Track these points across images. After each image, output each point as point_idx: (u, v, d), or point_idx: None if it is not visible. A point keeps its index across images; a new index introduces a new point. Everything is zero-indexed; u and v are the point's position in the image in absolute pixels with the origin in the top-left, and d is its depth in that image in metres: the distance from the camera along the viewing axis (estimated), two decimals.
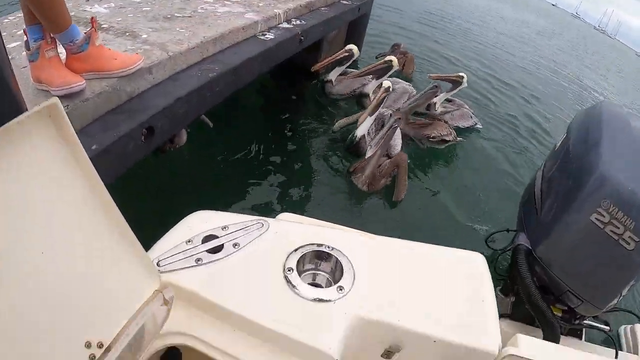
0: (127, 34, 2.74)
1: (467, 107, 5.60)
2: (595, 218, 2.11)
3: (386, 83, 4.10)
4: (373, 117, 4.04)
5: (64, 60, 2.08)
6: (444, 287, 1.39)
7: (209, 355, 1.15)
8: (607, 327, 2.54)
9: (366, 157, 3.85)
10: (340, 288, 1.29)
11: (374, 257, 1.43)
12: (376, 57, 6.52)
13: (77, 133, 1.74)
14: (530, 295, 2.40)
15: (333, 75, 5.03)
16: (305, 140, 4.39)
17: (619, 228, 2.06)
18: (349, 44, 5.45)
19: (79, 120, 2.01)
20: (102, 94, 2.08)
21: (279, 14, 3.74)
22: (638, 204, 2.03)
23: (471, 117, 5.50)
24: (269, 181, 3.70)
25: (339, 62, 4.88)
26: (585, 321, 2.48)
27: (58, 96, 1.89)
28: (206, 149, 3.75)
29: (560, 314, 2.44)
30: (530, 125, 6.73)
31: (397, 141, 4.29)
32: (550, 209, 2.46)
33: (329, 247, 1.40)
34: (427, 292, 1.36)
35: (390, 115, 4.02)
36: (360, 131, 4.01)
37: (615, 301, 2.28)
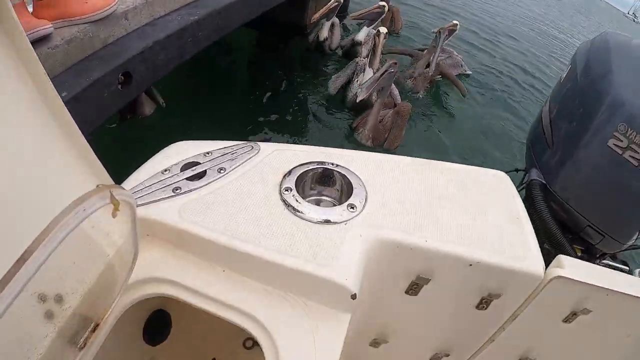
0: None
1: (456, 54, 5.66)
2: (613, 144, 2.06)
3: (382, 29, 4.03)
4: (371, 71, 3.99)
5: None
6: (473, 205, 1.17)
7: (197, 305, 0.93)
8: (627, 267, 2.48)
9: (367, 111, 3.78)
10: (352, 206, 1.07)
11: (388, 175, 1.20)
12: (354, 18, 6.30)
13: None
14: (549, 232, 2.33)
15: (326, 32, 4.93)
16: (304, 103, 4.27)
17: (638, 152, 1.99)
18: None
19: (47, 69, 1.79)
20: (72, 40, 1.89)
21: None
22: None
23: (461, 65, 5.61)
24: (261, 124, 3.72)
25: (331, 12, 4.77)
26: (604, 260, 2.44)
27: None
28: (183, 121, 3.51)
29: (579, 255, 2.38)
30: (521, 68, 6.88)
31: (395, 91, 4.23)
32: (563, 140, 2.40)
33: (332, 164, 1.18)
34: (455, 211, 1.13)
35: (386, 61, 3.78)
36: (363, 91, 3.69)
37: (635, 236, 2.23)
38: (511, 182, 1.32)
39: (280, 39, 4.94)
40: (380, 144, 3.74)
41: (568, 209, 2.31)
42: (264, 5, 3.50)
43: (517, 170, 3.01)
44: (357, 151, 1.27)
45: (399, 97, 4.22)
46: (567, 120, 2.41)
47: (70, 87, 1.76)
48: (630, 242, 2.25)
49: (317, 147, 1.27)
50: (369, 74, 3.94)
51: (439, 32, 4.71)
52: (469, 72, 5.70)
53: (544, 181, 2.44)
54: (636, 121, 2.00)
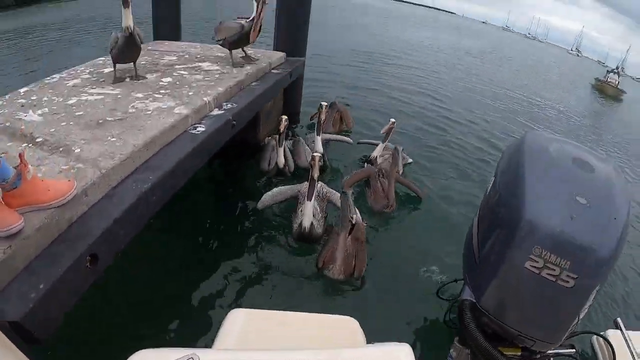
0: (61, 149, 2.84)
1: (395, 147, 5.79)
2: (530, 265, 2.20)
3: (317, 154, 3.99)
4: (312, 200, 3.94)
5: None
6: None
7: None
8: (573, 350, 2.64)
9: (329, 245, 3.77)
10: None
11: None
12: (310, 119, 6.81)
13: (21, 271, 1.87)
14: (481, 349, 2.50)
15: (282, 158, 5.04)
16: (258, 230, 4.35)
17: (555, 270, 2.15)
18: (286, 110, 5.77)
19: (23, 258, 2.08)
20: (41, 228, 2.16)
21: (208, 102, 3.91)
22: (568, 242, 2.12)
23: (404, 157, 5.81)
24: (221, 277, 3.68)
25: (281, 137, 4.90)
26: (549, 351, 2.53)
27: None
28: (146, 259, 3.66)
29: (519, 353, 2.51)
30: (473, 155, 7.05)
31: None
32: (487, 259, 2.54)
33: None
34: None
35: (343, 192, 3.95)
36: (307, 220, 3.90)
37: (568, 332, 2.36)
38: (357, 326, 1.63)
39: (235, 159, 5.15)
40: (351, 273, 3.72)
41: (497, 323, 2.45)
42: (214, 149, 3.80)
43: (456, 280, 3.23)
44: None
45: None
46: (489, 239, 2.56)
47: (45, 276, 2.03)
48: (565, 338, 2.38)
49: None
50: (309, 206, 3.94)
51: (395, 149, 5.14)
52: (410, 160, 6.03)
53: (473, 300, 2.59)
54: (549, 242, 2.13)
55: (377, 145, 5.54)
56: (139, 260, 3.58)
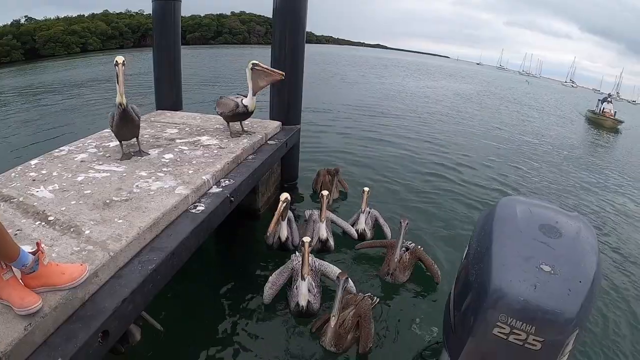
0: (72, 229, 3.19)
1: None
2: (498, 332, 2.37)
3: (306, 239, 4.16)
4: (307, 279, 4.11)
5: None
6: None
7: None
8: None
9: (323, 316, 3.99)
10: None
11: None
12: (312, 189, 7.20)
13: (40, 345, 2.18)
14: None
15: (285, 231, 5.04)
16: (256, 302, 4.45)
17: (521, 335, 2.32)
18: (284, 178, 6.23)
19: (41, 334, 2.38)
20: (57, 307, 2.47)
21: (207, 180, 4.26)
22: (532, 310, 2.27)
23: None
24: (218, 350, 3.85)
25: (285, 211, 4.77)
26: None
27: (20, 315, 2.32)
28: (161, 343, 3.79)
29: None
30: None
31: (349, 283, 4.41)
32: (461, 324, 2.73)
33: None
34: None
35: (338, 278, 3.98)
36: (303, 300, 4.07)
37: None
38: None
39: (234, 228, 5.35)
40: (346, 348, 3.81)
41: None
42: (214, 226, 4.10)
43: (437, 342, 3.49)
44: None
45: (354, 288, 4.39)
46: (463, 305, 2.74)
47: (62, 351, 2.33)
48: None
49: None
50: (304, 285, 4.10)
51: (400, 223, 4.97)
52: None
53: None
54: (513, 310, 2.30)
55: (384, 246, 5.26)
56: None
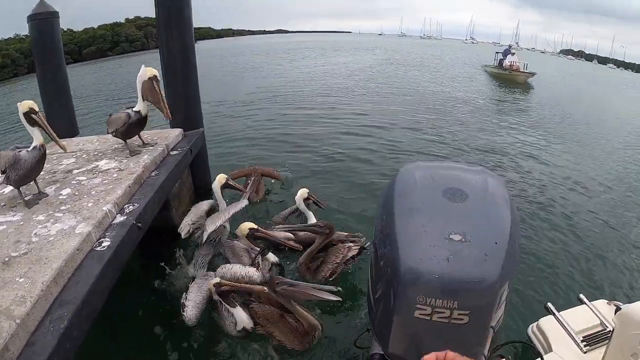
0: None
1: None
2: (419, 314, 2.27)
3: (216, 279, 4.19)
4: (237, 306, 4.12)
5: None
6: None
7: None
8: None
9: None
10: None
11: None
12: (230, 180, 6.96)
13: None
14: None
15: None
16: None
17: (444, 312, 2.22)
18: (195, 184, 6.20)
19: None
20: None
21: (109, 210, 3.98)
22: (449, 285, 2.16)
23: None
24: None
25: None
26: None
27: None
28: None
29: None
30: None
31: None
32: (382, 310, 2.61)
33: None
34: None
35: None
36: (248, 324, 4.04)
37: (486, 354, 2.44)
38: None
39: (154, 247, 5.08)
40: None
41: None
42: (125, 258, 3.85)
43: (368, 330, 3.40)
44: None
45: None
46: (379, 291, 2.64)
47: None
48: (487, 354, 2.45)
49: None
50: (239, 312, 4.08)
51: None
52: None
53: (381, 352, 2.67)
54: (430, 289, 2.19)
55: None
56: None
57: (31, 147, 4.05)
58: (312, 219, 5.39)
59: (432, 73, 25.39)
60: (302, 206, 5.55)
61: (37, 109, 3.92)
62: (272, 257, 4.68)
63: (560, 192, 7.70)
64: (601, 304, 3.52)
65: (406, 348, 2.56)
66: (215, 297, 4.10)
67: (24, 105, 3.88)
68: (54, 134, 3.99)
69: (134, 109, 5.13)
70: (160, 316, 4.45)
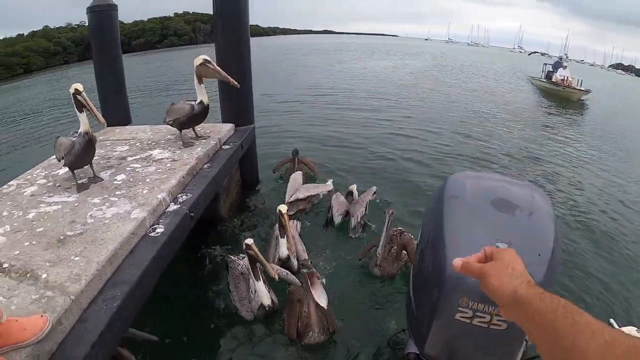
0: (28, 274, 3.01)
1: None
2: (460, 317, 2.31)
3: (282, 207, 4.48)
4: (261, 279, 4.22)
5: None
6: None
7: None
8: None
9: (293, 312, 3.97)
10: None
11: None
12: (273, 171, 7.16)
13: None
14: None
15: (285, 249, 4.81)
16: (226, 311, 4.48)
17: (485, 317, 2.25)
18: (243, 179, 6.28)
19: None
20: None
21: (163, 198, 4.11)
22: None
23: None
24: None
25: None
26: None
27: None
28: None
29: None
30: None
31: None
32: (422, 311, 2.67)
33: None
34: None
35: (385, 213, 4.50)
36: (267, 299, 4.18)
37: None
38: None
39: (201, 239, 5.25)
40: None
41: None
42: (176, 246, 3.95)
43: (403, 330, 3.39)
44: None
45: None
46: (422, 292, 2.70)
47: None
48: None
49: None
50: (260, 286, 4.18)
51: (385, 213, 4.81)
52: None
53: (416, 352, 2.75)
54: (473, 293, 2.22)
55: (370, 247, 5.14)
56: None
57: (78, 134, 4.24)
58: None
59: (480, 81, 24.88)
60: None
61: (81, 89, 4.06)
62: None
63: (608, 211, 7.47)
64: (631, 330, 3.47)
65: (442, 349, 2.60)
66: (243, 267, 4.41)
67: (72, 87, 4.06)
68: (95, 109, 4.08)
69: (196, 102, 5.27)
70: (199, 304, 4.60)
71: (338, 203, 6.10)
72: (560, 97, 22.19)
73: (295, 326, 3.86)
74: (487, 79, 27.09)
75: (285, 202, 6.11)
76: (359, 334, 4.01)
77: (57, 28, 72.24)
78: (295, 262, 4.86)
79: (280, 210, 4.52)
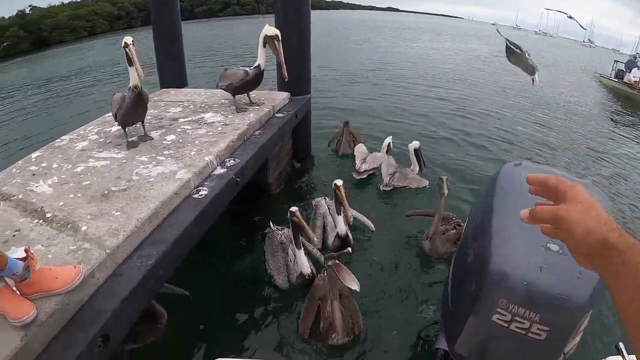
0: (69, 225, 3.06)
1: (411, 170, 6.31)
2: (497, 319, 2.15)
3: (339, 182, 4.37)
4: (302, 249, 4.19)
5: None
6: None
7: None
8: None
9: (310, 309, 3.85)
10: None
11: None
12: (328, 145, 7.12)
13: (40, 353, 2.16)
14: None
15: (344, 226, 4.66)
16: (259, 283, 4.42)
17: (524, 323, 2.09)
18: (296, 151, 6.22)
19: (40, 342, 2.27)
20: (54, 313, 2.35)
21: (210, 161, 4.09)
22: (536, 296, 2.03)
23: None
24: (212, 323, 3.86)
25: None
26: None
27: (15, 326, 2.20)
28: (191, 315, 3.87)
29: None
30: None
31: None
32: (458, 307, 2.54)
33: None
34: None
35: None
36: (306, 268, 4.14)
37: None
38: None
39: (247, 202, 5.16)
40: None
41: None
42: (219, 211, 3.93)
43: (435, 322, 3.32)
44: None
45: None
46: (461, 286, 2.56)
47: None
48: None
49: None
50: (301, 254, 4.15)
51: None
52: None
53: (446, 348, 2.61)
54: (516, 296, 2.08)
55: (431, 215, 4.81)
56: None
57: (128, 88, 4.29)
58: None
59: (547, 73, 23.93)
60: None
61: (129, 42, 4.09)
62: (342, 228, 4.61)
63: None
64: None
65: (473, 350, 2.47)
66: (282, 237, 4.42)
67: (123, 40, 4.11)
68: (137, 62, 4.09)
69: (253, 65, 5.23)
70: (234, 269, 4.62)
71: (387, 165, 6.24)
72: (633, 99, 19.28)
73: (309, 326, 3.69)
74: (553, 70, 26.00)
75: (356, 168, 6.33)
76: (388, 319, 3.87)
77: None
78: (352, 239, 4.74)
79: (336, 184, 4.37)
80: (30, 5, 59.04)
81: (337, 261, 3.35)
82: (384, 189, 6.04)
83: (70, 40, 52.91)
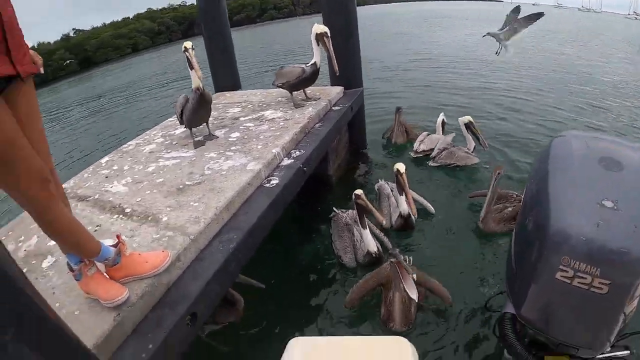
0: (149, 218, 3.24)
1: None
2: (560, 276, 2.18)
3: (401, 166, 4.39)
4: (367, 228, 4.25)
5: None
6: None
7: None
8: (627, 352, 2.57)
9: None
10: None
11: None
12: (382, 137, 7.19)
13: (131, 333, 2.39)
14: (521, 359, 2.62)
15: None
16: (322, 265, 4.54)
17: (586, 278, 2.12)
18: (353, 142, 6.28)
19: (131, 323, 2.42)
20: (144, 295, 2.50)
21: (278, 153, 4.23)
22: (595, 250, 2.07)
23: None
24: (283, 309, 3.94)
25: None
26: (598, 356, 2.50)
27: (108, 307, 2.37)
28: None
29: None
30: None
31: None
32: (522, 270, 2.56)
33: None
34: None
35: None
36: (373, 247, 4.19)
37: (613, 336, 2.33)
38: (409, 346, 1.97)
39: (310, 194, 5.28)
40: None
41: (539, 333, 2.49)
42: (289, 198, 4.04)
43: (502, 292, 3.24)
44: None
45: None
46: (522, 250, 2.60)
47: (152, 337, 2.37)
48: (611, 344, 2.37)
49: None
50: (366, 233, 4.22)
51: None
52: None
53: (513, 312, 2.66)
54: (576, 252, 2.11)
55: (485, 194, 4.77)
56: None
57: (191, 90, 4.51)
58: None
59: (588, 52, 23.09)
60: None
61: (189, 46, 4.29)
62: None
63: None
64: None
65: (539, 313, 2.49)
66: (347, 219, 4.54)
67: (183, 45, 4.34)
68: (196, 65, 4.28)
69: (309, 63, 5.34)
70: (303, 256, 4.72)
71: (442, 143, 6.34)
72: None
73: (357, 299, 3.70)
74: (600, 46, 25.18)
75: (414, 149, 6.51)
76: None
77: (160, 9, 75.40)
78: (414, 220, 4.81)
79: (398, 169, 4.41)
80: (73, 29, 61.25)
81: (401, 261, 3.40)
82: (415, 156, 6.42)
83: (115, 58, 54.47)
